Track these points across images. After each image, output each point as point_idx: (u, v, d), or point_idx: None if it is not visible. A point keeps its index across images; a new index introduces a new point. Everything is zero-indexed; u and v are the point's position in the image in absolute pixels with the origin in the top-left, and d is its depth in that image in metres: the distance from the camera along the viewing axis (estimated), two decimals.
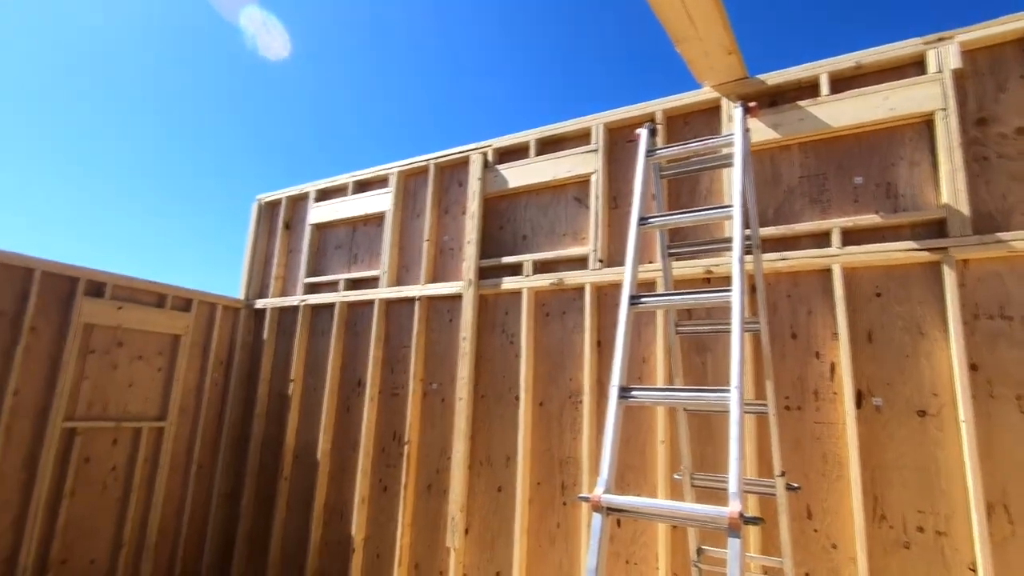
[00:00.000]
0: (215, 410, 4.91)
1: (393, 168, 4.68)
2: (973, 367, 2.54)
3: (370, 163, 4.96)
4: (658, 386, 3.13)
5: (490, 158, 4.19)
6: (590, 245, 3.61)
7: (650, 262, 3.38)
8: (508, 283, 3.83)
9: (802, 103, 3.12)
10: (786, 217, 3.10)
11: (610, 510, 1.78)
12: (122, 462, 4.22)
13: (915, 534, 2.53)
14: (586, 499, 1.79)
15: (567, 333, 3.61)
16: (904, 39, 2.95)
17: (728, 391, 1.80)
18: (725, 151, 2.95)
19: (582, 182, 3.79)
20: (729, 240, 2.57)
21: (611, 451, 1.88)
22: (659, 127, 3.52)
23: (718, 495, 2.74)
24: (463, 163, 4.36)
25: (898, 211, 2.83)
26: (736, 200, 2.15)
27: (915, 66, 2.94)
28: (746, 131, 2.44)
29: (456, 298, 4.09)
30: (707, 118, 3.45)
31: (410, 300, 4.31)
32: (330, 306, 4.74)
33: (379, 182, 4.82)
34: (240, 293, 5.32)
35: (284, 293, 5.17)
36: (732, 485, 1.64)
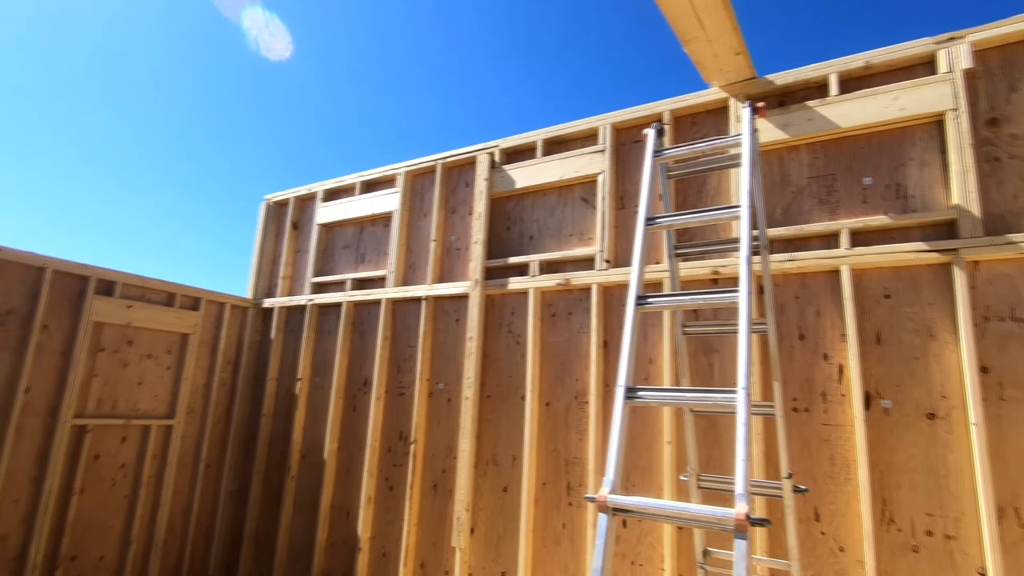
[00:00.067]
0: (223, 409, 4.95)
1: (400, 168, 4.69)
2: (984, 369, 2.51)
3: (376, 163, 4.99)
4: (664, 387, 3.12)
5: (497, 158, 4.20)
6: (597, 245, 3.61)
7: (657, 263, 3.37)
8: (515, 283, 3.84)
9: (811, 103, 3.10)
10: (794, 218, 3.09)
11: (616, 510, 1.78)
12: (131, 459, 4.26)
13: (924, 537, 2.51)
14: (592, 499, 1.79)
15: (573, 333, 3.61)
16: (913, 39, 2.93)
17: (735, 392, 1.79)
18: (733, 151, 2.93)
19: (589, 182, 3.79)
20: (736, 241, 2.57)
21: (617, 451, 1.88)
22: (666, 127, 3.51)
23: (724, 497, 2.73)
24: (470, 163, 4.37)
25: (908, 212, 2.81)
26: (744, 200, 2.15)
27: (925, 66, 2.91)
28: (754, 131, 2.43)
29: (463, 298, 4.09)
30: (715, 119, 3.44)
31: (417, 300, 4.32)
32: (337, 306, 4.76)
33: (386, 182, 4.83)
34: (248, 292, 5.36)
35: (292, 292, 5.19)
36: (739, 486, 1.63)
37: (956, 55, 2.79)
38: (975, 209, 2.62)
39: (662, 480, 3.11)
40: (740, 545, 1.55)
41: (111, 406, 4.18)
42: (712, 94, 3.40)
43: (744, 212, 2.12)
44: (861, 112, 2.96)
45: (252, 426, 4.98)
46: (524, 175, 4.03)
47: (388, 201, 4.69)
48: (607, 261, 3.53)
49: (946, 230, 2.71)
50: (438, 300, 4.23)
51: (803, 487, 2.61)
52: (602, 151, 3.73)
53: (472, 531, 3.67)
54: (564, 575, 3.31)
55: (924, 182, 2.82)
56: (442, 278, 4.27)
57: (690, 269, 3.21)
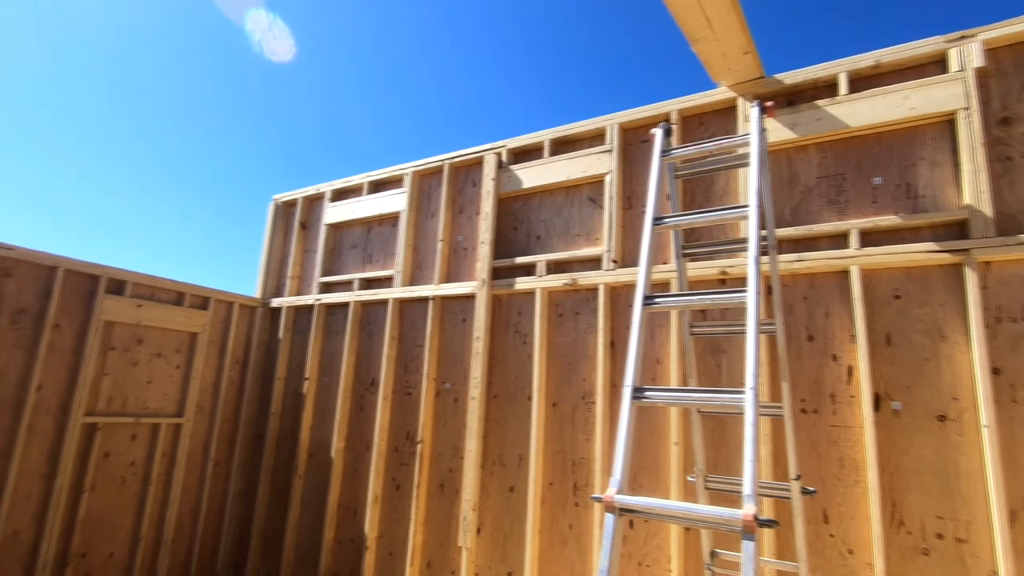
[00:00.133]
0: (231, 407, 4.98)
1: (408, 168, 4.70)
2: (996, 371, 2.49)
3: (381, 164, 5.00)
4: (672, 387, 3.11)
5: (504, 158, 4.20)
6: (604, 245, 3.60)
7: (664, 263, 3.36)
8: (521, 283, 3.83)
9: (820, 103, 3.08)
10: (803, 218, 3.07)
11: (623, 510, 1.77)
12: (141, 457, 4.29)
13: (934, 540, 2.49)
14: (599, 499, 1.79)
15: (580, 333, 3.60)
16: (923, 38, 2.90)
17: (743, 392, 1.78)
18: (741, 151, 2.92)
19: (596, 182, 3.78)
20: (744, 241, 2.55)
21: (624, 451, 1.87)
22: (674, 127, 3.50)
23: (732, 498, 2.72)
24: (477, 163, 4.37)
25: (918, 212, 2.79)
26: (752, 200, 2.13)
27: (936, 65, 2.89)
28: (762, 131, 2.42)
29: (470, 298, 4.10)
30: (723, 118, 3.42)
31: (424, 300, 4.33)
32: (345, 305, 4.78)
33: (394, 182, 4.85)
34: (256, 292, 5.39)
35: (300, 292, 5.22)
36: (747, 487, 1.62)
37: (968, 54, 2.76)
38: (987, 209, 2.59)
39: (669, 481, 3.10)
40: (748, 546, 1.54)
41: (121, 404, 4.22)
42: (720, 94, 3.39)
43: (753, 212, 2.10)
44: (871, 111, 2.93)
45: (260, 425, 5.00)
46: (531, 175, 4.03)
47: (395, 201, 4.71)
48: (614, 261, 3.52)
49: (957, 230, 2.68)
50: (445, 300, 4.23)
51: (811, 489, 2.59)
52: (609, 151, 3.72)
53: (478, 531, 3.67)
54: (570, 575, 3.31)
55: (935, 182, 2.79)
56: (449, 278, 4.28)
57: (698, 269, 3.20)
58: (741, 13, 2.73)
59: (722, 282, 3.19)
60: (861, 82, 3.05)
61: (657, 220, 2.35)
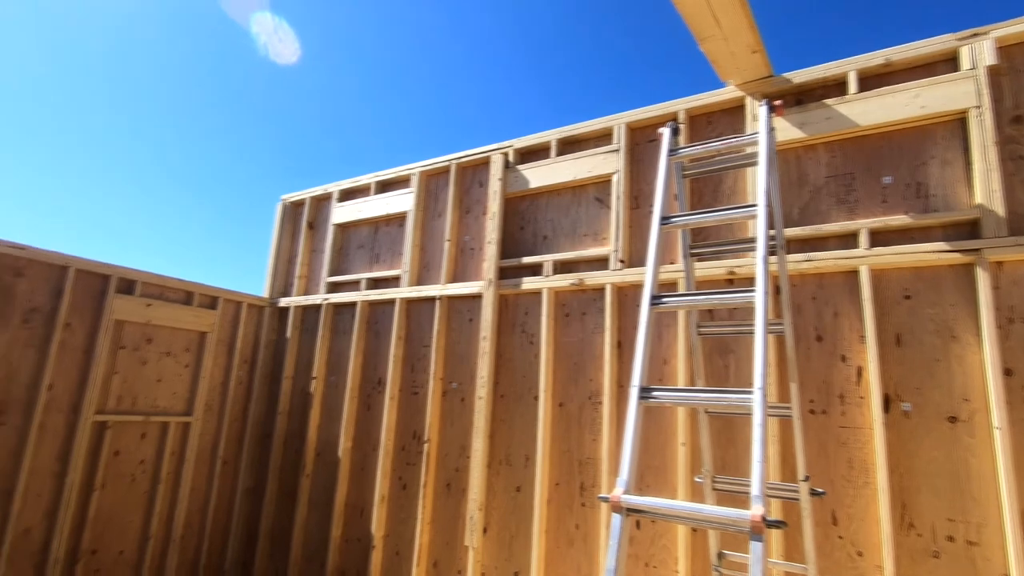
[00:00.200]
0: (239, 406, 5.00)
1: (415, 168, 4.71)
2: (1007, 372, 2.46)
3: (387, 165, 5.02)
4: (679, 387, 3.10)
5: (511, 158, 4.20)
6: (611, 245, 3.59)
7: (672, 263, 3.35)
8: (528, 283, 3.83)
9: (829, 101, 3.06)
10: (812, 217, 3.05)
11: (630, 510, 1.77)
12: (150, 456, 4.32)
13: (945, 543, 2.47)
14: (606, 499, 1.79)
15: (587, 333, 3.60)
16: (933, 36, 2.87)
17: (751, 393, 1.77)
18: (749, 150, 2.91)
19: (603, 182, 3.78)
20: (753, 240, 2.54)
21: (631, 451, 1.87)
22: (682, 126, 3.48)
23: (740, 499, 2.71)
24: (484, 163, 4.38)
25: (929, 211, 2.76)
26: (760, 199, 2.12)
27: (947, 63, 2.86)
28: (771, 130, 2.41)
29: (476, 298, 4.10)
30: (731, 118, 3.41)
31: (431, 300, 4.33)
32: (352, 305, 4.79)
33: (401, 182, 4.86)
34: (264, 292, 5.42)
35: (307, 292, 5.24)
36: (755, 488, 1.61)
37: (979, 51, 2.73)
38: (999, 208, 2.56)
39: (676, 481, 3.09)
40: (756, 547, 1.53)
41: (131, 403, 4.25)
42: (728, 93, 3.37)
43: (761, 211, 2.09)
44: (881, 110, 2.91)
45: (268, 424, 5.03)
46: (538, 175, 4.03)
47: (403, 201, 4.72)
48: (621, 261, 3.51)
49: (968, 230, 2.66)
50: (452, 300, 4.24)
51: (820, 490, 2.57)
52: (616, 151, 3.71)
53: (485, 531, 3.67)
54: (577, 575, 3.30)
55: (946, 181, 2.77)
56: (456, 278, 4.28)
57: (705, 269, 3.18)
58: (749, 12, 2.71)
59: (730, 282, 3.18)
60: (871, 81, 3.02)
61: (665, 219, 2.35)
